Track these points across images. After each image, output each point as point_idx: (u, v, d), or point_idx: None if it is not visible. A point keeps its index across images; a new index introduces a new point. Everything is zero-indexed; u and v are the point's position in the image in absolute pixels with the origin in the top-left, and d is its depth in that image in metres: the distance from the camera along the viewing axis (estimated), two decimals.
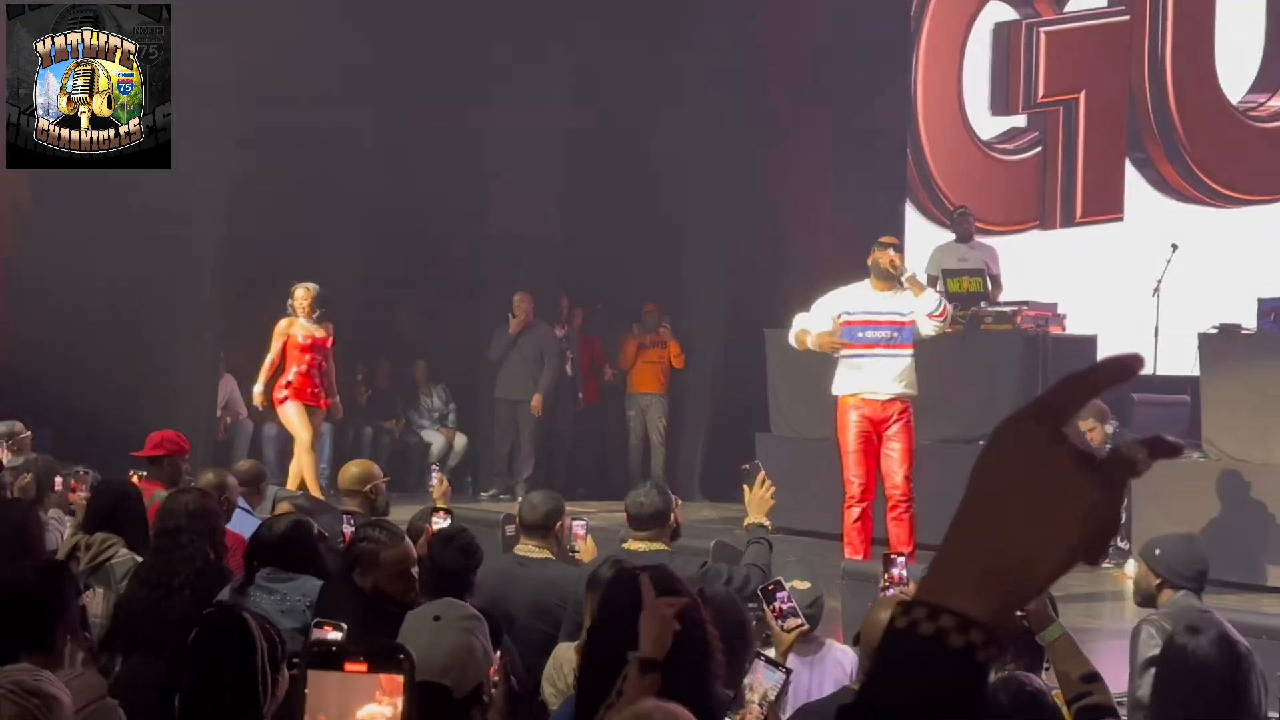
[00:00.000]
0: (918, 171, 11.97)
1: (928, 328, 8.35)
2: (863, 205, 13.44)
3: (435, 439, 13.51)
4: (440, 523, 5.00)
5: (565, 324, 13.57)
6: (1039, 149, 11.14)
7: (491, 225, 13.36)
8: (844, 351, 8.44)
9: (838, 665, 4.88)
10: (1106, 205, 10.84)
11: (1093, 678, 3.69)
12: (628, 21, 13.17)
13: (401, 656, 2.06)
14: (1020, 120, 11.29)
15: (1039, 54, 11.06)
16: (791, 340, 8.70)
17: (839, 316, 8.46)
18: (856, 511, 8.43)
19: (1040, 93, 11.20)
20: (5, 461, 7.56)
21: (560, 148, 13.56)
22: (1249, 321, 9.39)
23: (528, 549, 5.74)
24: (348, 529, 5.69)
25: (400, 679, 2.03)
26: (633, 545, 5.67)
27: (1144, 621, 5.07)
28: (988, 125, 11.44)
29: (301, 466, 10.31)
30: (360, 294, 12.89)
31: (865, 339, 8.39)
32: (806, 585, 5.17)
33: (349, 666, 2.03)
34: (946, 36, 11.59)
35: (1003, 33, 11.05)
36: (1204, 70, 10.81)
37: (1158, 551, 5.36)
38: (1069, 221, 11.09)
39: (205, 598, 4.71)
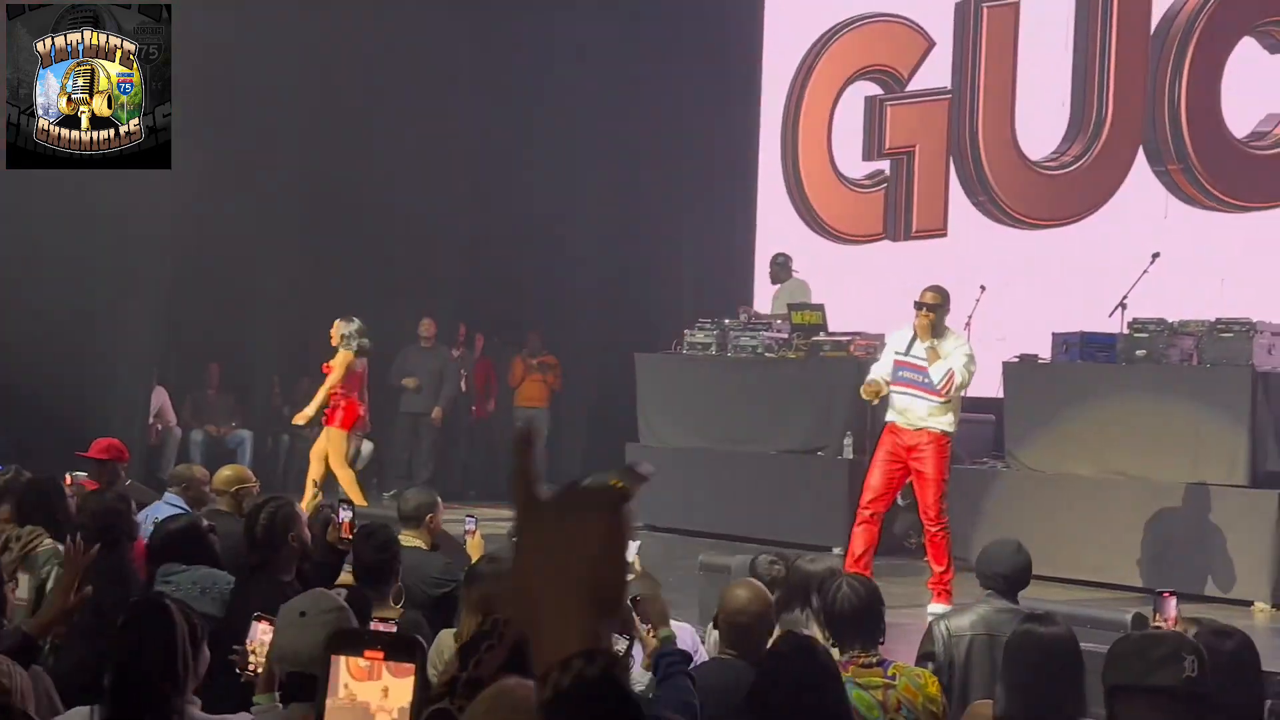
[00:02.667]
0: (800, 201, 13.13)
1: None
2: (716, 246, 13.58)
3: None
4: (345, 513, 4.91)
5: (462, 347, 13.52)
6: (887, 184, 12.58)
7: (398, 256, 13.25)
8: (893, 386, 8.04)
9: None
10: (933, 225, 12.19)
11: None
12: (512, 73, 13.18)
13: (414, 647, 2.00)
14: (885, 164, 12.63)
15: (888, 119, 12.52)
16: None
17: (893, 356, 8.11)
18: (861, 517, 7.98)
19: (888, 145, 12.55)
20: None
21: (461, 189, 13.50)
22: (1045, 351, 9.58)
23: (405, 538, 5.71)
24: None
25: (412, 667, 1.97)
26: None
27: (934, 620, 5.06)
28: (860, 168, 12.70)
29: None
30: (279, 312, 12.70)
31: (901, 378, 7.99)
32: (632, 576, 5.18)
33: (368, 654, 1.97)
34: (819, 107, 12.97)
35: (868, 103, 12.64)
36: (1005, 132, 11.88)
37: (978, 555, 5.30)
38: (907, 235, 12.37)
39: (105, 588, 4.57)
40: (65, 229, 11.21)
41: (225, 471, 6.73)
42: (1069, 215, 11.55)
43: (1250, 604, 8.20)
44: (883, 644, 4.33)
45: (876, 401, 8.21)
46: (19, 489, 5.77)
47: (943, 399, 7.86)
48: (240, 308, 12.62)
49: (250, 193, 12.36)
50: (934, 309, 7.91)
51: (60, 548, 5.28)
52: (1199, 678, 2.91)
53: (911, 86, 12.47)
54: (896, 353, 8.09)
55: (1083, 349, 9.25)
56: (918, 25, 12.41)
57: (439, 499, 6.00)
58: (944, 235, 12.14)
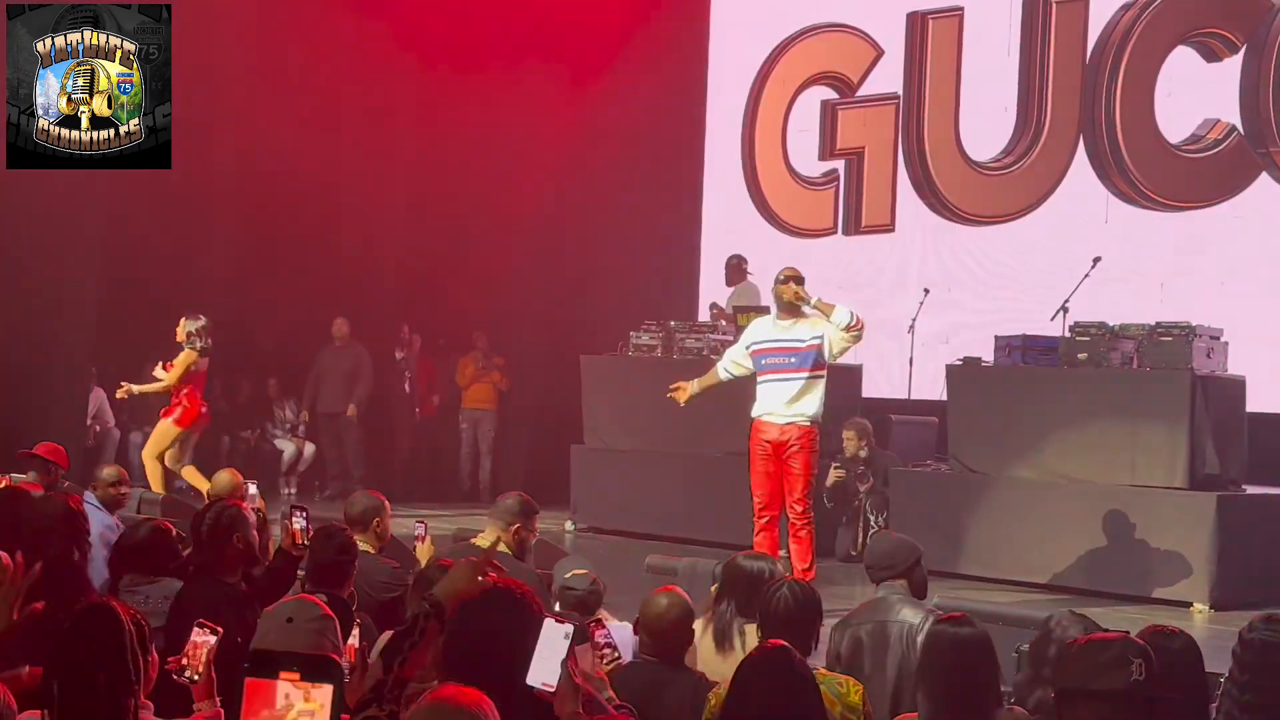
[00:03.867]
0: (757, 199, 13.45)
1: (842, 342, 7.64)
2: (662, 248, 13.61)
3: (287, 447, 13.23)
4: (299, 520, 4.84)
5: (405, 348, 13.44)
6: (837, 182, 13.00)
7: (340, 255, 13.17)
8: (758, 378, 7.85)
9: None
10: (882, 221, 12.58)
11: None
12: (469, 76, 13.15)
13: (332, 668, 1.96)
14: (837, 164, 13.00)
15: (839, 122, 12.92)
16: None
17: (749, 346, 7.90)
18: (758, 525, 7.78)
19: (839, 146, 12.95)
20: None
21: (404, 190, 13.44)
22: (988, 354, 9.65)
23: None
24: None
25: (330, 688, 1.93)
26: (479, 540, 5.64)
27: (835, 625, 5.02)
28: (814, 167, 13.07)
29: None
30: (217, 313, 12.56)
31: (765, 365, 7.80)
32: (584, 571, 5.18)
33: (284, 675, 1.93)
34: (774, 110, 13.32)
35: (823, 107, 13.06)
36: (949, 134, 12.23)
37: (868, 549, 5.27)
38: (856, 230, 12.75)
39: (64, 594, 4.51)
40: (4, 229, 11.05)
41: (223, 476, 6.70)
42: (1011, 212, 11.81)
43: (1189, 605, 8.31)
44: (811, 654, 4.34)
45: (683, 402, 8.11)
46: None
47: (850, 335, 7.61)
48: (178, 308, 12.46)
49: (186, 192, 12.24)
50: (801, 282, 7.76)
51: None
52: (1146, 680, 2.93)
53: (861, 92, 12.81)
54: (755, 343, 7.87)
55: (1025, 352, 9.33)
56: (867, 35, 12.74)
57: (386, 502, 5.93)
58: (891, 230, 12.41)
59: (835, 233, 12.81)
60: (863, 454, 10.04)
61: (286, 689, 1.96)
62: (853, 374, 10.82)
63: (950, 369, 9.80)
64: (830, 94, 13.02)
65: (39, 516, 4.91)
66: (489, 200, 13.52)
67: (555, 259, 13.77)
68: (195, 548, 4.65)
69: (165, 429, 10.17)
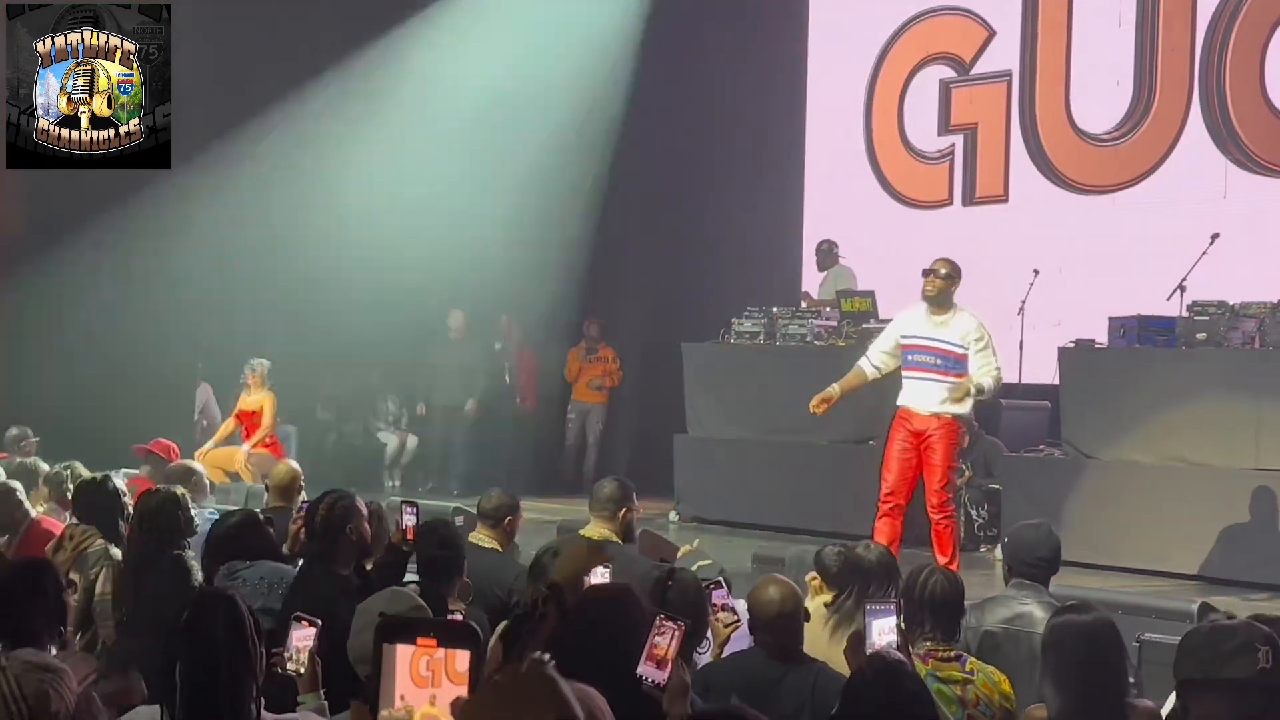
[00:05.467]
0: (875, 172, 13.58)
1: (977, 385, 7.63)
2: (763, 233, 13.58)
3: (390, 440, 13.41)
4: (409, 517, 4.90)
5: (505, 338, 13.54)
6: (952, 156, 13.18)
7: (441, 247, 13.30)
8: (904, 372, 7.80)
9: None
10: (995, 192, 12.76)
11: None
12: (572, 64, 13.22)
13: (470, 634, 1.99)
14: (951, 140, 13.17)
15: (952, 99, 13.08)
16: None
17: (901, 339, 7.83)
18: (881, 510, 7.74)
19: (953, 122, 13.08)
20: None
21: (504, 180, 13.53)
22: (1101, 336, 9.51)
23: (479, 536, 5.71)
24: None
25: (468, 654, 1.96)
26: (585, 532, 5.65)
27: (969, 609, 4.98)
28: (929, 144, 13.25)
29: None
30: (320, 308, 12.77)
31: (914, 362, 7.75)
32: (709, 562, 5.20)
33: (421, 641, 1.97)
34: (890, 88, 13.50)
35: (940, 86, 13.23)
36: (1059, 109, 12.31)
37: (1006, 539, 5.17)
38: (970, 201, 12.89)
39: (166, 586, 4.65)
40: (112, 229, 11.36)
41: (282, 468, 6.83)
42: (1125, 180, 11.74)
43: None
44: (958, 641, 4.33)
45: (823, 411, 8.01)
46: (77, 486, 5.84)
47: (961, 381, 7.61)
48: (282, 303, 12.71)
49: (287, 189, 12.47)
50: (946, 277, 7.69)
51: (111, 548, 5.35)
52: (1274, 669, 2.87)
53: (974, 71, 12.97)
54: (906, 336, 7.81)
55: (1141, 333, 9.17)
56: (980, 16, 12.89)
57: (519, 501, 5.91)
58: (1005, 201, 12.52)
59: (951, 204, 12.91)
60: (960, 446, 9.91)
61: (424, 655, 1.99)
62: None
63: (1063, 351, 9.67)
64: (946, 73, 13.16)
65: (136, 511, 5.03)
66: (589, 189, 13.56)
67: (656, 247, 13.81)
68: (309, 538, 4.72)
69: (264, 458, 10.86)
